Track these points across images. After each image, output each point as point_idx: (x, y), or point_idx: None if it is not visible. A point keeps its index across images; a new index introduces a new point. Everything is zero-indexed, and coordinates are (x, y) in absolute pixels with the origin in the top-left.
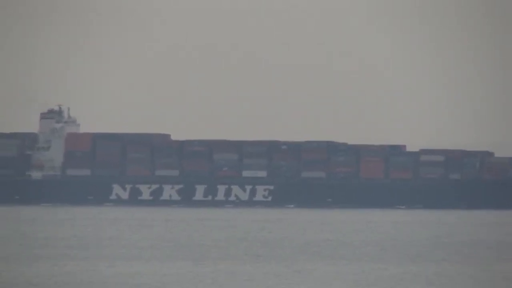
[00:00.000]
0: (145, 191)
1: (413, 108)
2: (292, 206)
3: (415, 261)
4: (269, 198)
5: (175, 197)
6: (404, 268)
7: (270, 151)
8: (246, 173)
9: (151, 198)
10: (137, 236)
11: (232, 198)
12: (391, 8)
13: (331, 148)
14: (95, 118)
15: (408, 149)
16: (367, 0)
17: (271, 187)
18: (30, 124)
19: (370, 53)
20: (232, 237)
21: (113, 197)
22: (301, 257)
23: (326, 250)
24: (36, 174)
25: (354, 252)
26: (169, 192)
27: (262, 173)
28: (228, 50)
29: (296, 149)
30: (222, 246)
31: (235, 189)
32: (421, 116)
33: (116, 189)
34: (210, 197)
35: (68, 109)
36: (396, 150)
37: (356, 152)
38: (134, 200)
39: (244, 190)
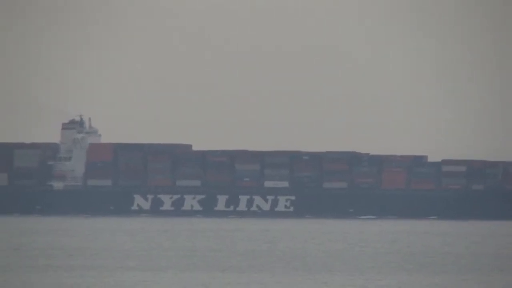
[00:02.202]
0: (167, 202)
1: (435, 118)
2: (313, 216)
3: (432, 273)
4: (291, 209)
5: (197, 207)
6: (426, 279)
7: (292, 162)
8: (267, 184)
9: (172, 208)
10: (156, 246)
11: (254, 208)
12: (415, 17)
13: (353, 159)
14: (116, 128)
15: (430, 159)
16: (390, 10)
17: (293, 198)
18: (51, 135)
19: (392, 63)
20: (252, 248)
21: (134, 207)
22: (323, 268)
23: (348, 261)
24: (57, 185)
25: (374, 263)
26: (191, 202)
27: (284, 184)
28: (250, 61)
29: (318, 159)
30: (242, 256)
31: (257, 200)
32: (443, 126)
33: (138, 200)
34: (232, 208)
35: (89, 119)
36: (418, 160)
37: (378, 162)
38: (156, 210)
39: (266, 201)
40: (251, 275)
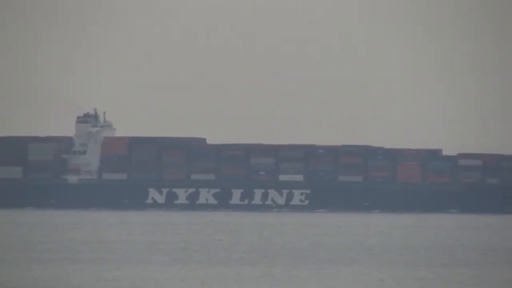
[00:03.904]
0: (182, 195)
1: (450, 112)
2: (328, 210)
3: (444, 266)
4: (306, 202)
5: (212, 201)
6: (436, 273)
7: (307, 155)
8: (282, 177)
9: (187, 202)
10: (172, 240)
11: (269, 202)
12: (430, 11)
13: (368, 152)
14: (131, 122)
15: (445, 153)
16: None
17: (308, 191)
18: (66, 128)
19: (405, 57)
20: (268, 242)
21: (149, 201)
22: (336, 261)
23: (362, 255)
24: (72, 178)
25: (389, 257)
26: (206, 196)
27: (299, 177)
28: (264, 54)
29: (333, 153)
30: (246, 250)
31: (272, 193)
32: (458, 120)
33: (152, 193)
34: (246, 201)
35: (104, 113)
36: (433, 154)
37: (393, 156)
38: (170, 204)
39: (281, 194)
40: (254, 268)
